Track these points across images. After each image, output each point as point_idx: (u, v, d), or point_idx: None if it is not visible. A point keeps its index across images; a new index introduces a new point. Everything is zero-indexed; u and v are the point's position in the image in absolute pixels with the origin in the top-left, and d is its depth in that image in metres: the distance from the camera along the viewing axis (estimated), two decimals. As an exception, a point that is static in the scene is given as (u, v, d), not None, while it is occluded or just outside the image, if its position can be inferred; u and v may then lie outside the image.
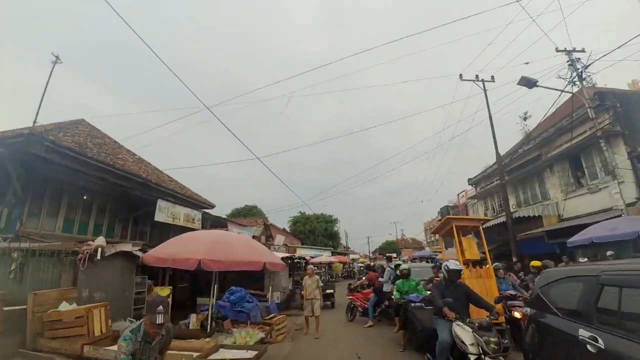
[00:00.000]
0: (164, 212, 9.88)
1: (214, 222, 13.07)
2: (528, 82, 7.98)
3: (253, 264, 4.18)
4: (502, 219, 12.72)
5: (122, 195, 10.12)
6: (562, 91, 8.27)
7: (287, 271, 11.85)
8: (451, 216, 6.06)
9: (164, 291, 8.76)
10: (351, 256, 42.38)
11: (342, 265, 30.57)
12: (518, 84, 8.16)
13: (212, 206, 15.06)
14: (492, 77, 13.72)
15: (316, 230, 41.58)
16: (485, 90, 13.20)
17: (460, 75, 13.60)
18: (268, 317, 6.58)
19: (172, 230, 10.64)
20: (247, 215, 37.89)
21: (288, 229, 40.94)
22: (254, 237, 22.94)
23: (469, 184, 18.65)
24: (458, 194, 34.22)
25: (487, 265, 6.36)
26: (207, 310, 6.00)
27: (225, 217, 27.34)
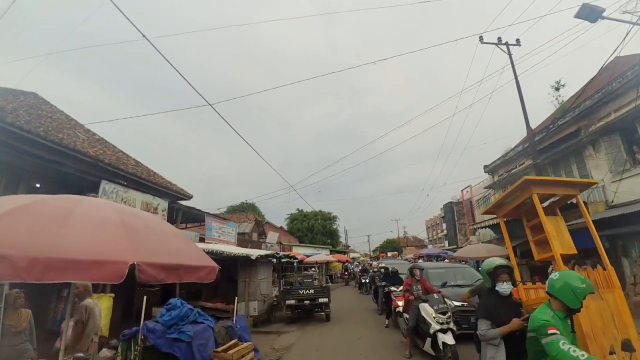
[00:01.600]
0: (112, 197, 7.74)
1: (185, 214, 10.95)
2: (591, 13, 5.87)
3: (98, 267, 1.70)
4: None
5: (59, 175, 8.00)
6: (634, 24, 6.15)
7: (269, 273, 9.60)
8: (530, 177, 3.37)
9: (104, 301, 6.59)
10: (351, 255, 40.21)
11: (341, 264, 28.43)
12: (576, 16, 6.04)
13: (188, 197, 12.87)
14: (518, 40, 11.62)
15: (314, 227, 39.56)
16: (510, 54, 11.10)
17: (481, 37, 11.46)
18: (222, 348, 4.22)
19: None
20: (242, 212, 35.89)
21: (285, 227, 38.98)
22: (243, 233, 20.87)
23: (485, 172, 16.48)
24: (462, 190, 32.07)
25: (605, 265, 3.15)
26: (130, 335, 3.83)
27: (220, 212, 25.30)
